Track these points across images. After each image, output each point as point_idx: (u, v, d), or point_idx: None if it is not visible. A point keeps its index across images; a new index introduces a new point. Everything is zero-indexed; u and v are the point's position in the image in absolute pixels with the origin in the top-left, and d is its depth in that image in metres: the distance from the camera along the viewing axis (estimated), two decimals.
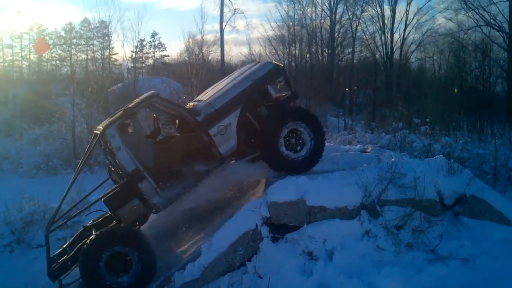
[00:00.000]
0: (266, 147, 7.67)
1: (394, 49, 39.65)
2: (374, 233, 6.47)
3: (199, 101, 8.42)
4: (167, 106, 8.01)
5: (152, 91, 8.04)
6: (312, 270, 6.09)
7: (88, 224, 8.06)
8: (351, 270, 5.92)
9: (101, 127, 7.33)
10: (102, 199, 7.32)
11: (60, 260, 7.31)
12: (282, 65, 8.63)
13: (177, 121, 8.20)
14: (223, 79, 9.33)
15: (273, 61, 10.00)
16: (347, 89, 40.16)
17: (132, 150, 7.16)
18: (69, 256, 7.22)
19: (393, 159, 7.57)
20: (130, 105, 7.44)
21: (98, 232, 7.04)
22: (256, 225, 6.63)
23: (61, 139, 20.61)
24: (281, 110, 8.07)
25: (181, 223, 8.64)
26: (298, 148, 7.76)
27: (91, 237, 6.95)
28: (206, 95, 8.55)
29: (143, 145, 7.52)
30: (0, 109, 28.60)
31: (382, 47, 39.74)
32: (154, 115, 8.58)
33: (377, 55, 40.56)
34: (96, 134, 7.51)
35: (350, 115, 32.25)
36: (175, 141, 7.94)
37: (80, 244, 7.30)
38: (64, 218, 7.95)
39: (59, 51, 57.22)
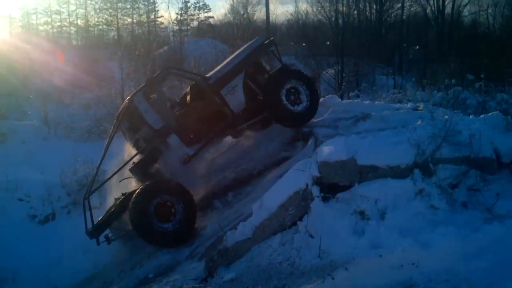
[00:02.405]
0: (271, 103, 8.65)
1: (446, 3, 38.09)
2: (428, 192, 6.33)
3: None
4: (183, 75, 10.16)
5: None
6: (364, 230, 6.04)
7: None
8: (404, 229, 5.84)
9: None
10: (129, 169, 8.46)
11: (101, 218, 8.22)
12: (272, 38, 9.91)
13: (188, 96, 9.33)
14: (228, 57, 10.82)
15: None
16: (396, 46, 39.06)
17: (158, 113, 8.26)
18: (109, 213, 8.15)
19: (446, 117, 7.38)
20: (152, 76, 8.87)
21: (149, 182, 7.78)
22: (307, 184, 6.61)
23: (111, 103, 20.99)
24: (279, 72, 9.23)
25: (232, 184, 8.77)
26: (298, 102, 8.78)
27: (141, 187, 7.68)
28: (215, 70, 9.70)
29: (166, 109, 8.74)
30: (52, 76, 29.20)
31: (433, 1, 38.11)
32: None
33: (428, 10, 39.04)
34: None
35: (400, 73, 31.38)
36: (192, 107, 9.02)
37: (118, 203, 8.15)
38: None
39: (105, 16, 57.75)
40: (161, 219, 7.55)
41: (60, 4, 58.07)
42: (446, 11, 38.27)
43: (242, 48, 9.88)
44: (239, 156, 9.50)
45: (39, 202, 11.11)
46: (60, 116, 21.41)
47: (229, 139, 10.07)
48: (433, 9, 38.30)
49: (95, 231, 7.96)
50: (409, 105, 10.08)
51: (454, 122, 6.91)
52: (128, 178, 8.69)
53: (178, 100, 9.99)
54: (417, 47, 37.70)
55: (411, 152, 6.61)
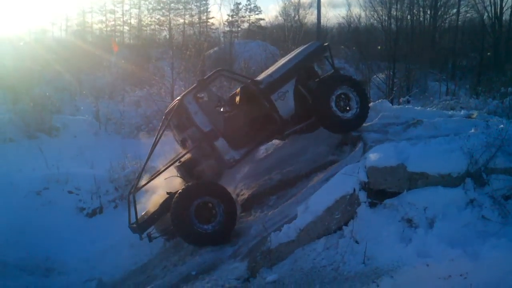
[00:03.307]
0: (320, 109, 8.53)
1: (504, 9, 37.00)
2: (479, 202, 6.11)
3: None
4: (234, 77, 9.97)
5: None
6: (411, 238, 5.88)
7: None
8: (453, 239, 5.65)
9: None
10: (175, 167, 8.69)
11: (145, 215, 8.39)
12: (327, 43, 9.69)
13: (237, 98, 9.34)
14: (279, 60, 10.57)
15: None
16: (450, 52, 38.20)
17: (207, 115, 8.32)
18: (155, 210, 8.18)
19: (501, 126, 7.13)
20: (204, 77, 8.87)
21: (190, 184, 7.92)
22: (354, 189, 6.50)
23: (160, 101, 21.30)
24: (331, 77, 9.18)
25: (277, 187, 8.75)
26: (347, 108, 8.61)
27: (183, 187, 7.80)
28: (265, 73, 9.52)
29: (215, 112, 8.70)
30: (104, 73, 29.93)
31: (490, 7, 37.12)
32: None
33: (485, 16, 38.00)
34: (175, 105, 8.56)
35: (453, 80, 30.68)
36: (240, 110, 9.00)
37: (162, 202, 8.18)
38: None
39: (158, 16, 58.77)
40: (201, 220, 7.64)
41: (115, 3, 59.54)
42: (503, 18, 37.18)
43: (295, 52, 9.68)
44: (285, 158, 9.46)
45: (88, 195, 11.39)
46: (110, 112, 21.91)
47: (275, 141, 10.06)
48: (490, 15, 37.24)
49: (139, 228, 8.10)
50: (462, 112, 9.80)
51: (510, 131, 6.66)
52: (173, 176, 8.80)
53: (226, 100, 10.02)
54: (473, 54, 36.68)
55: (463, 161, 6.40)
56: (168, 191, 8.43)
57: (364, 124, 8.83)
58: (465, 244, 5.54)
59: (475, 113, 9.40)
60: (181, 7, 57.28)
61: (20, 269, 9.10)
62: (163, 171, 8.59)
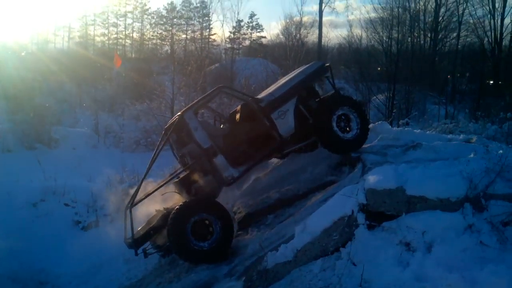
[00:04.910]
0: (322, 129, 8.58)
1: (504, 35, 37.27)
2: (478, 228, 6.09)
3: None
4: (235, 94, 9.77)
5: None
6: (409, 262, 5.85)
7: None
8: (451, 264, 5.63)
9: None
10: (173, 183, 8.71)
11: (141, 230, 8.36)
12: (328, 64, 9.66)
13: (237, 115, 9.36)
14: (280, 79, 10.64)
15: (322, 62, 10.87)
16: (449, 76, 38.40)
17: (207, 131, 8.30)
18: (151, 226, 8.16)
19: (501, 151, 7.13)
20: (205, 94, 8.97)
21: (187, 200, 7.94)
22: (352, 211, 6.47)
23: (160, 116, 21.35)
24: (332, 98, 9.15)
25: (275, 206, 8.72)
26: (348, 129, 8.68)
27: (180, 204, 7.75)
28: (266, 91, 9.58)
29: (214, 129, 8.90)
30: (105, 85, 30.00)
31: (491, 32, 37.36)
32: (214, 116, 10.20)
33: (485, 41, 38.24)
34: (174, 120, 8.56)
35: (452, 103, 30.78)
36: (240, 128, 9.03)
37: (159, 218, 8.18)
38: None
39: (160, 30, 59.17)
40: (198, 237, 7.61)
41: (118, 17, 59.96)
42: (503, 43, 37.43)
43: (296, 72, 9.70)
44: (284, 177, 9.45)
45: (84, 208, 11.34)
46: (110, 125, 21.95)
47: (274, 159, 10.05)
48: (490, 40, 37.50)
49: (134, 243, 8.04)
50: (461, 136, 9.80)
51: (510, 157, 6.67)
52: (171, 192, 8.77)
53: (226, 117, 10.05)
54: (471, 78, 36.85)
55: (462, 186, 6.39)
56: (165, 207, 8.40)
57: (363, 146, 8.84)
58: (463, 269, 5.51)
59: (474, 138, 9.41)
60: (183, 22, 57.77)
61: (13, 281, 9.03)
62: (161, 186, 8.56)
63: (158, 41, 59.39)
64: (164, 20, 58.51)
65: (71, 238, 10.47)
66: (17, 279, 9.08)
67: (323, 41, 39.85)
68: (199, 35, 56.39)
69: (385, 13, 39.60)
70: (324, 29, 46.90)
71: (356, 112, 8.72)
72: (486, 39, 37.87)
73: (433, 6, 40.47)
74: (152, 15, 60.19)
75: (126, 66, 33.15)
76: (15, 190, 11.48)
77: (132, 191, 8.71)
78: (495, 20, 37.00)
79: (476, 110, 21.19)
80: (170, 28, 57.27)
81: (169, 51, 49.46)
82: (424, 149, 8.09)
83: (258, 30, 61.24)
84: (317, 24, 39.33)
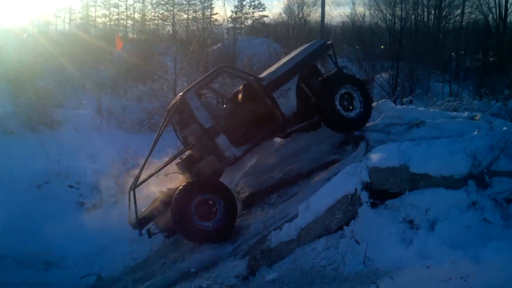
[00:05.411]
0: (325, 108, 8.52)
1: (509, 11, 36.83)
2: (481, 205, 6.09)
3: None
4: (237, 74, 9.88)
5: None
6: (412, 239, 5.86)
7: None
8: (454, 241, 5.63)
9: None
10: (176, 164, 8.64)
11: (145, 211, 8.40)
12: (330, 42, 9.72)
13: (239, 95, 9.30)
14: (282, 58, 10.57)
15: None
16: (453, 53, 38.07)
17: (209, 111, 8.27)
18: (155, 207, 8.21)
19: (505, 128, 7.09)
20: (206, 74, 8.89)
21: (190, 180, 7.95)
22: (356, 189, 6.47)
23: (163, 96, 21.28)
24: (335, 76, 9.20)
25: (278, 185, 8.72)
26: (351, 108, 8.64)
27: (184, 184, 7.76)
28: (268, 71, 9.46)
29: (216, 109, 8.89)
30: (107, 67, 29.89)
31: (495, 9, 36.89)
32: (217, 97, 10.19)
33: (489, 18, 37.79)
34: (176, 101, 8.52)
35: (456, 81, 30.55)
36: (242, 107, 9.01)
37: (164, 197, 8.18)
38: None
39: (162, 11, 58.72)
40: (201, 217, 7.61)
41: None
42: (508, 19, 37.03)
43: (298, 50, 9.62)
44: (287, 157, 9.42)
45: (88, 190, 11.39)
46: (113, 107, 21.91)
47: (277, 139, 10.03)
48: (494, 17, 37.08)
49: (138, 224, 8.09)
50: (465, 114, 9.74)
51: None
52: (174, 173, 8.78)
53: (228, 97, 10.01)
54: (478, 55, 36.47)
55: (466, 163, 6.37)
56: (169, 188, 8.41)
57: (367, 124, 8.80)
58: (466, 246, 5.52)
59: (478, 115, 9.36)
60: (185, 2, 57.20)
61: (18, 262, 9.09)
62: (164, 167, 8.55)
63: (160, 21, 58.95)
64: (166, 0, 58.09)
65: (75, 219, 10.51)
66: (22, 261, 9.14)
67: (326, 19, 39.39)
68: (200, 15, 55.96)
69: None
70: (327, 7, 46.68)
71: (359, 91, 8.65)
72: (490, 15, 37.48)
73: None
74: None
75: (128, 48, 33.00)
76: (19, 172, 11.54)
77: (135, 172, 8.70)
78: None
79: (480, 88, 21.00)
80: (172, 8, 56.81)
81: (170, 31, 49.19)
82: (427, 126, 8.05)
83: (260, 9, 60.63)
84: (319, 2, 38.85)
